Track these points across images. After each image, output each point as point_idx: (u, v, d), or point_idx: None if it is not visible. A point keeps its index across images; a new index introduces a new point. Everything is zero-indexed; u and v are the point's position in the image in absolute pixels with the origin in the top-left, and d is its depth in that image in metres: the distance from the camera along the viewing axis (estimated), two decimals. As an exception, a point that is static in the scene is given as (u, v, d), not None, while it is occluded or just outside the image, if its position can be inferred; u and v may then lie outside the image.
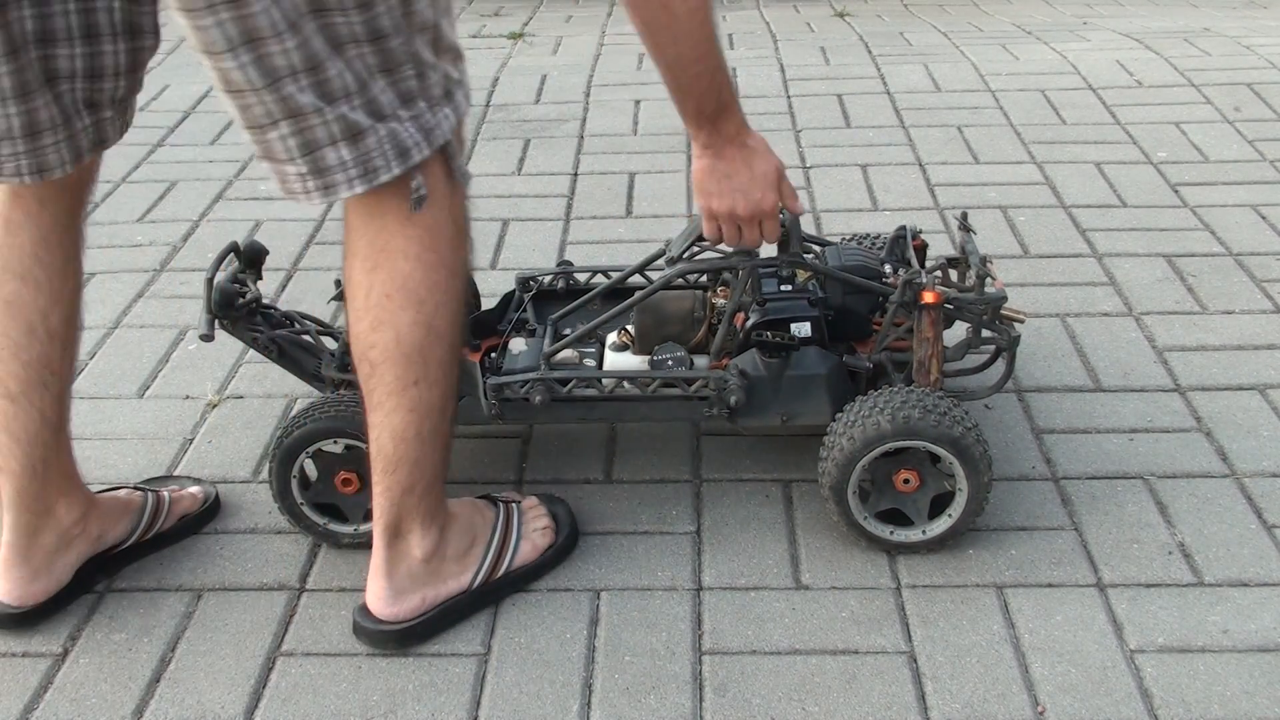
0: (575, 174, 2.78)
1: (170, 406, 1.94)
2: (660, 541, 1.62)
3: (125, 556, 1.58)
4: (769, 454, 1.78)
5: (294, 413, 1.54)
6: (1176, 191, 2.60)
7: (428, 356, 1.34)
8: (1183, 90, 3.20)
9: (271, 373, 1.97)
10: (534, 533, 1.56)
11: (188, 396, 1.97)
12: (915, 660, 1.42)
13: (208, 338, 1.57)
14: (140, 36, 1.32)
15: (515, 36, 3.99)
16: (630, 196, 2.65)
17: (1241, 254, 2.32)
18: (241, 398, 1.96)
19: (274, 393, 1.94)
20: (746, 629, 1.47)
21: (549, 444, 1.82)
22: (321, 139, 1.21)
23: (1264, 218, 2.47)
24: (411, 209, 1.29)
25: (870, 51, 3.68)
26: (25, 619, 1.49)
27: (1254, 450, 1.76)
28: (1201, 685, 1.38)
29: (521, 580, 1.54)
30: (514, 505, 1.59)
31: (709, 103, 1.38)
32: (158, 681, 1.43)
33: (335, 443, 1.54)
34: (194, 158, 2.86)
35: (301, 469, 1.56)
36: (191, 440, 1.86)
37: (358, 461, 1.53)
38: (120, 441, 1.86)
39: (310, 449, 1.54)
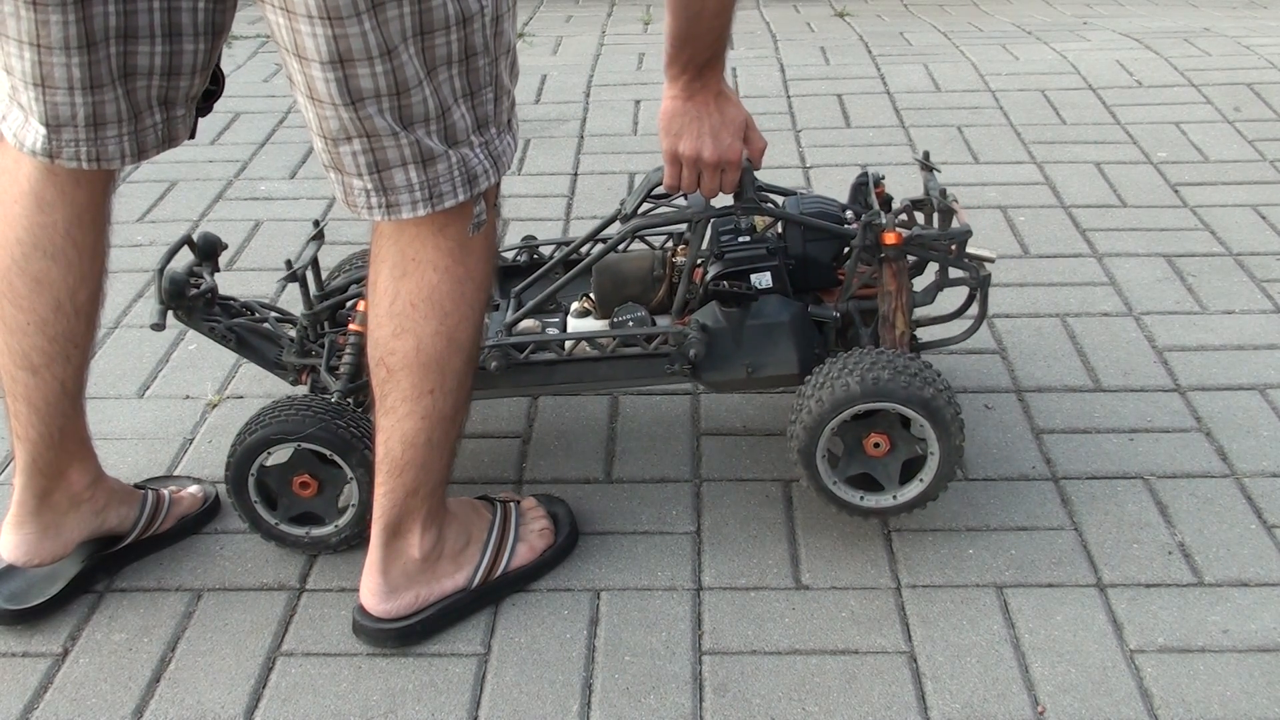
0: (575, 174, 2.78)
1: (170, 406, 1.94)
2: (660, 541, 1.62)
3: (125, 556, 1.58)
4: (769, 454, 1.78)
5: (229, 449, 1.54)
6: (1176, 191, 2.60)
7: (445, 367, 1.34)
8: (1183, 90, 3.20)
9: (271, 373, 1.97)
10: (532, 534, 1.56)
11: (188, 396, 1.97)
12: (915, 660, 1.42)
13: (158, 327, 1.58)
14: (221, 35, 1.33)
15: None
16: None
17: (1241, 254, 2.32)
18: (241, 398, 1.96)
19: (274, 393, 1.94)
20: (746, 629, 1.47)
21: (549, 444, 1.82)
22: (393, 160, 1.21)
23: (1264, 218, 2.47)
24: (470, 233, 1.29)
25: (870, 51, 3.68)
26: (28, 594, 1.50)
27: (1254, 450, 1.76)
28: (1201, 685, 1.38)
29: (521, 580, 1.54)
30: (512, 506, 1.59)
31: (705, 53, 1.39)
32: (158, 681, 1.43)
33: (269, 454, 1.51)
34: (194, 158, 2.86)
35: (264, 492, 1.55)
36: (191, 440, 1.86)
37: (307, 463, 1.52)
38: (120, 441, 1.86)
39: (254, 470, 1.52)
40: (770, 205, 1.64)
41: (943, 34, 3.90)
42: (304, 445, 1.50)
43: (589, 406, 1.90)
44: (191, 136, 1.42)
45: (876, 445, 1.51)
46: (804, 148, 2.89)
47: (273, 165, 2.86)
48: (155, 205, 2.66)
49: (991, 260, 1.65)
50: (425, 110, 1.20)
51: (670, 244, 1.78)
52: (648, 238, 1.79)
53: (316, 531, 1.57)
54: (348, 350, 1.61)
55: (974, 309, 1.66)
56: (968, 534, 1.61)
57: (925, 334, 1.78)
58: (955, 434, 1.48)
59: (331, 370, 1.64)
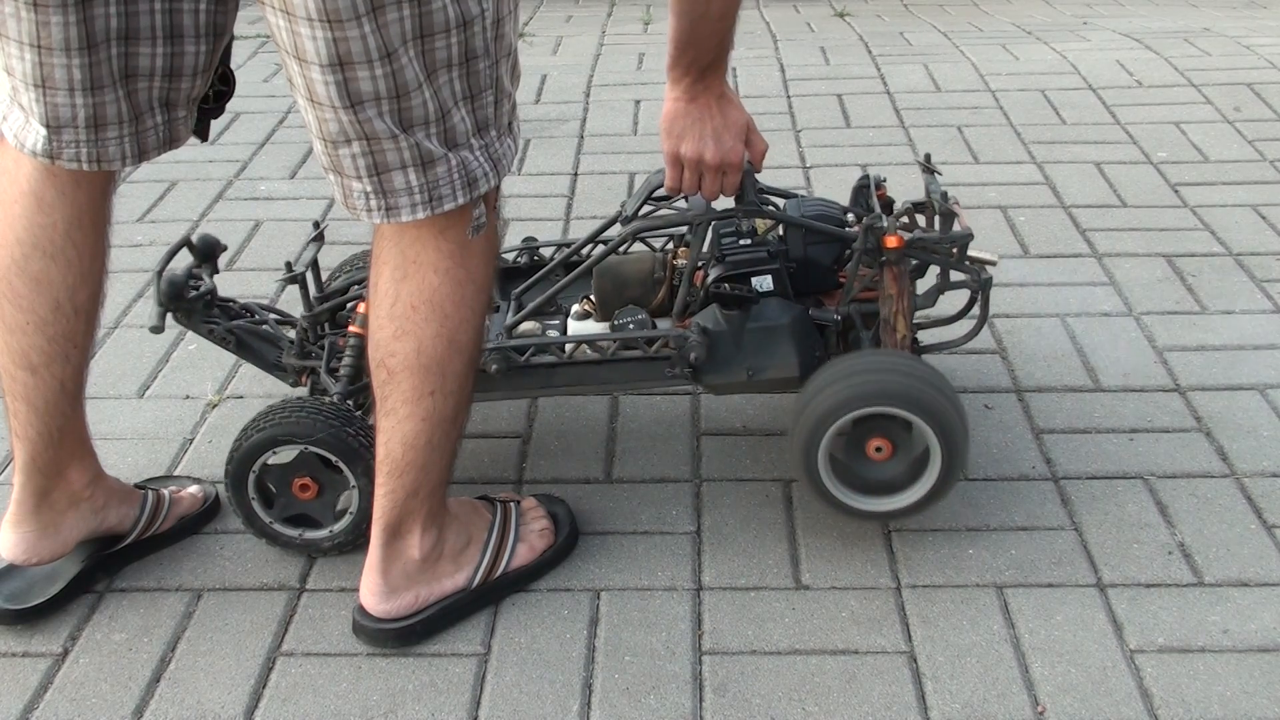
0: (575, 174, 2.78)
1: (170, 406, 1.94)
2: (660, 541, 1.62)
3: (125, 556, 1.58)
4: (769, 454, 1.78)
5: (232, 444, 1.54)
6: (1176, 191, 2.60)
7: (446, 369, 1.34)
8: (1183, 90, 3.21)
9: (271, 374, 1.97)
10: (532, 534, 1.56)
11: (188, 396, 1.97)
12: (915, 660, 1.42)
13: (157, 329, 1.58)
14: (222, 36, 1.33)
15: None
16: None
17: (1241, 254, 2.32)
18: (241, 398, 1.96)
19: (274, 393, 1.94)
20: (746, 629, 1.47)
21: (549, 444, 1.82)
22: (392, 163, 1.21)
23: (1264, 218, 2.47)
24: (469, 235, 1.30)
25: (870, 51, 3.68)
26: (28, 594, 1.50)
27: (1254, 450, 1.77)
28: (1201, 685, 1.38)
29: (521, 580, 1.54)
30: (512, 506, 1.59)
31: (708, 56, 1.39)
32: (158, 681, 1.43)
33: (275, 453, 1.51)
34: (194, 157, 2.86)
35: (262, 489, 1.54)
36: (191, 440, 1.86)
37: (309, 466, 1.52)
38: (120, 441, 1.86)
39: (255, 467, 1.52)
40: (771, 208, 1.64)
41: (943, 34, 3.90)
42: (310, 449, 1.49)
43: (589, 407, 1.90)
44: (204, 139, 1.42)
45: (878, 450, 1.51)
46: (804, 148, 2.89)
47: (273, 165, 2.86)
48: (155, 205, 2.66)
49: (993, 263, 1.65)
50: (425, 113, 1.20)
51: (671, 246, 1.78)
52: (648, 240, 1.79)
53: (310, 534, 1.57)
54: (348, 352, 1.61)
55: (975, 311, 1.67)
56: (968, 534, 1.61)
57: (926, 336, 1.78)
58: (958, 434, 1.47)
59: (331, 372, 1.64)
